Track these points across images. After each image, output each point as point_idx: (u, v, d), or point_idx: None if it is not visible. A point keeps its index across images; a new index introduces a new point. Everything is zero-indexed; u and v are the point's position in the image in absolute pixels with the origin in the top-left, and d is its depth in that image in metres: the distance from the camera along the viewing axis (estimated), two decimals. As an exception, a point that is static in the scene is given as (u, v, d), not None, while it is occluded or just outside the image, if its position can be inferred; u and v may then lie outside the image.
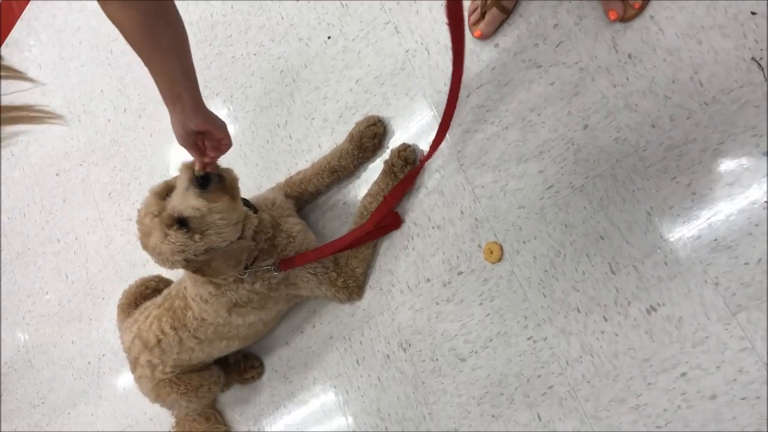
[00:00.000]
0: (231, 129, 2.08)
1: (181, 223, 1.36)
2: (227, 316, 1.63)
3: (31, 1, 3.09)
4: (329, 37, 1.86)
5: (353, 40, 1.81)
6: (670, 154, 1.32)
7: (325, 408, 1.82)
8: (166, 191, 1.41)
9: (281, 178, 1.85)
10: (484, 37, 1.56)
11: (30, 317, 2.87)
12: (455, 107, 1.44)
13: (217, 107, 2.15)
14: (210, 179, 1.36)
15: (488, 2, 1.51)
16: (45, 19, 2.98)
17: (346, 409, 1.77)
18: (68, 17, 2.84)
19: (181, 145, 1.29)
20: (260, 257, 1.58)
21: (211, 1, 2.20)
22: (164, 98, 1.20)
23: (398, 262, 1.68)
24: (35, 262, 2.86)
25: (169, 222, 1.36)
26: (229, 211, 1.40)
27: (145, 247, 1.42)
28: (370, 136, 1.69)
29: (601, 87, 1.40)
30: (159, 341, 1.70)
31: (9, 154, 3.05)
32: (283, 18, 1.98)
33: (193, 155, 1.33)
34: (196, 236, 1.37)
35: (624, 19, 1.37)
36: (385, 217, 1.62)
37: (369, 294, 1.74)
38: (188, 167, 1.36)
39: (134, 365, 1.79)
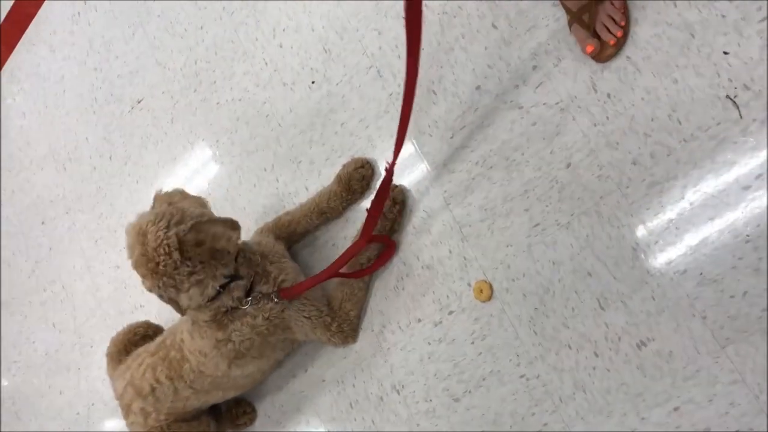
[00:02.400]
0: (217, 173, 2.10)
1: None
2: (227, 369, 1.62)
3: (14, 51, 3.11)
4: (313, 82, 1.89)
5: (337, 84, 1.84)
6: (652, 191, 1.34)
7: (319, 453, 1.80)
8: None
9: (269, 221, 1.86)
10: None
11: (16, 368, 2.82)
12: (412, 102, 1.37)
13: (203, 152, 2.16)
14: None
15: None
16: (29, 68, 2.99)
17: (341, 454, 1.76)
18: (51, 65, 2.86)
19: None
20: (257, 281, 1.57)
21: (195, 48, 2.22)
22: None
23: (389, 302, 1.69)
24: (21, 311, 2.83)
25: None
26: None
27: (150, 262, 1.40)
28: (359, 178, 1.71)
29: (582, 126, 1.43)
30: (153, 390, 1.68)
31: (-7, 203, 3.04)
32: (267, 64, 2.01)
33: None
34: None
35: (601, 57, 1.40)
36: (380, 239, 1.63)
37: (361, 335, 1.74)
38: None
39: (126, 412, 1.77)
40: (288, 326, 1.63)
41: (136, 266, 1.43)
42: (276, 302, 1.57)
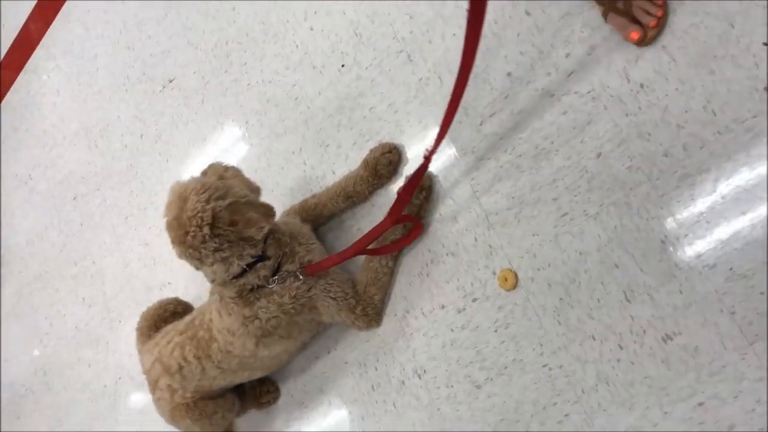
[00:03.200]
0: (246, 155, 2.11)
1: None
2: (254, 348, 1.64)
3: (49, 28, 3.15)
4: (343, 65, 1.88)
5: (367, 68, 1.83)
6: (683, 183, 1.32)
7: (340, 434, 1.82)
8: None
9: (295, 203, 1.87)
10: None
11: (47, 340, 2.89)
12: (461, 96, 1.37)
13: (232, 133, 2.17)
14: None
15: None
16: (63, 45, 3.03)
17: (362, 435, 1.77)
18: (85, 43, 2.89)
19: None
20: (284, 261, 1.58)
21: (227, 29, 2.23)
22: None
23: (412, 288, 1.69)
24: (52, 285, 2.89)
25: None
26: None
27: (181, 229, 1.43)
28: (386, 163, 1.71)
29: (613, 116, 1.41)
30: (180, 368, 1.71)
31: (27, 177, 3.10)
32: (297, 46, 2.01)
33: None
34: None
35: (643, 42, 1.38)
36: (407, 219, 1.63)
37: (384, 320, 1.75)
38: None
39: (153, 387, 1.80)
40: (314, 306, 1.64)
41: (168, 228, 1.46)
42: (302, 281, 1.57)
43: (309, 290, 1.60)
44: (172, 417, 1.81)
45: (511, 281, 1.52)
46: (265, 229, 1.49)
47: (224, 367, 1.70)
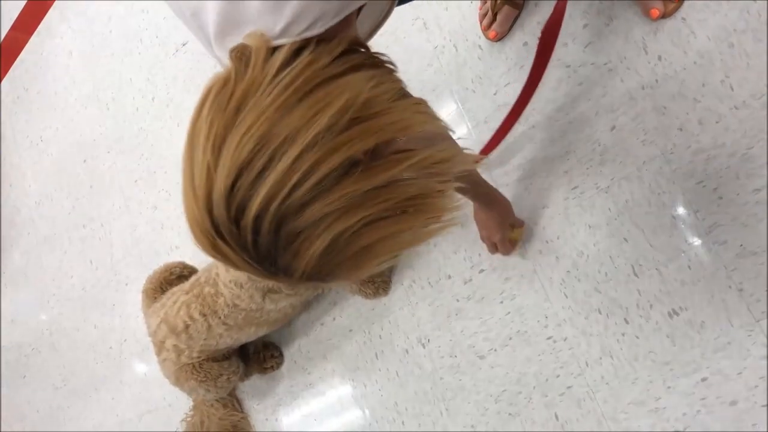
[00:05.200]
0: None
1: None
2: (261, 301, 1.64)
3: (63, -10, 3.13)
4: (357, 32, 1.87)
5: (381, 35, 1.81)
6: (697, 158, 1.31)
7: (342, 400, 1.83)
8: None
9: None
10: (500, 37, 1.57)
11: (54, 301, 2.91)
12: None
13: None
14: None
15: (498, 2, 1.51)
16: (77, 7, 3.02)
17: (364, 402, 1.78)
18: (100, 6, 2.88)
19: None
20: None
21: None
22: None
23: (419, 258, 1.69)
24: (61, 246, 2.91)
25: None
26: None
27: None
28: None
29: (629, 88, 1.40)
30: (187, 327, 1.71)
31: (38, 139, 3.10)
32: (312, 12, 1.99)
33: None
34: None
35: (666, 14, 1.36)
36: None
37: (390, 289, 1.75)
38: None
39: (159, 348, 1.81)
40: None
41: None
42: None
43: None
44: (177, 378, 1.82)
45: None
46: None
47: (230, 323, 1.70)
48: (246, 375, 1.97)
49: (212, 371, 1.82)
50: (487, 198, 1.40)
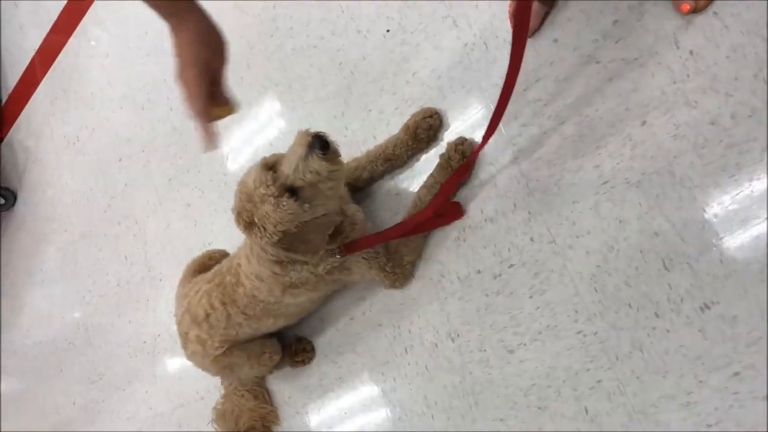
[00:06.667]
0: (289, 119, 2.14)
1: (292, 192, 1.38)
2: (280, 295, 1.67)
3: (99, -7, 3.21)
4: (388, 30, 1.89)
5: (412, 33, 1.84)
6: (729, 152, 1.31)
7: (372, 394, 1.85)
8: (268, 166, 1.43)
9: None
10: (530, 34, 1.57)
11: (90, 296, 2.98)
12: (509, 98, 1.44)
13: (276, 98, 2.20)
14: (329, 142, 1.38)
15: None
16: (113, 9, 3.09)
17: (393, 396, 1.80)
18: (135, 7, 2.94)
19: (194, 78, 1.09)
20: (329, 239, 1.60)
21: (274, -6, 2.26)
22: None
23: (449, 253, 1.71)
24: (96, 243, 2.98)
25: (282, 191, 1.38)
26: (341, 179, 1.47)
27: (248, 221, 1.43)
28: (426, 127, 1.72)
29: (660, 83, 1.40)
30: (207, 316, 1.74)
31: (75, 138, 3.18)
32: (343, 11, 2.02)
33: (195, 93, 1.11)
34: (305, 206, 1.39)
35: (696, 9, 1.36)
36: (447, 206, 1.65)
37: (419, 283, 1.77)
38: (306, 134, 1.39)
39: (185, 341, 1.84)
40: (347, 268, 1.68)
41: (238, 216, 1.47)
42: (338, 257, 1.62)
43: (344, 262, 1.65)
44: (215, 361, 1.84)
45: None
46: (321, 253, 1.57)
47: (249, 312, 1.73)
48: (277, 367, 2.00)
49: (255, 349, 1.87)
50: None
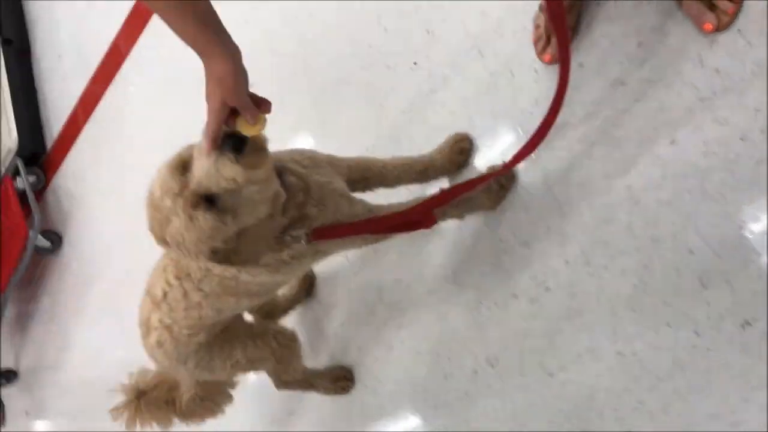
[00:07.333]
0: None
1: (209, 201, 1.14)
2: (236, 272, 1.43)
3: (136, 42, 3.33)
4: (415, 63, 1.94)
5: (438, 64, 1.88)
6: (761, 167, 1.31)
7: (414, 423, 1.86)
8: (182, 165, 1.18)
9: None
10: (555, 60, 1.60)
11: (132, 335, 3.04)
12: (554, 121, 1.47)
13: (309, 135, 2.26)
14: (245, 141, 1.14)
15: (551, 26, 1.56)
16: (149, 54, 3.21)
17: (435, 423, 1.81)
18: (173, 53, 3.05)
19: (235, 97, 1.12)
20: (289, 227, 1.38)
21: (305, 35, 2.33)
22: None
23: (485, 278, 1.72)
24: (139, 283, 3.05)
25: (194, 202, 1.13)
26: (268, 181, 1.21)
27: (160, 238, 1.22)
28: (458, 151, 1.74)
29: (687, 102, 1.41)
30: (165, 294, 1.50)
31: (116, 181, 3.28)
32: (370, 46, 2.08)
33: (210, 123, 1.13)
34: (228, 218, 1.16)
35: (719, 27, 1.37)
36: (426, 215, 1.53)
37: (455, 310, 1.78)
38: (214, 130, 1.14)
39: (147, 329, 1.60)
40: (324, 250, 1.53)
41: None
42: (306, 245, 1.40)
43: (315, 252, 1.49)
44: (198, 354, 1.64)
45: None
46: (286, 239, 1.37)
47: (205, 288, 1.47)
48: (314, 387, 1.98)
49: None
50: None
